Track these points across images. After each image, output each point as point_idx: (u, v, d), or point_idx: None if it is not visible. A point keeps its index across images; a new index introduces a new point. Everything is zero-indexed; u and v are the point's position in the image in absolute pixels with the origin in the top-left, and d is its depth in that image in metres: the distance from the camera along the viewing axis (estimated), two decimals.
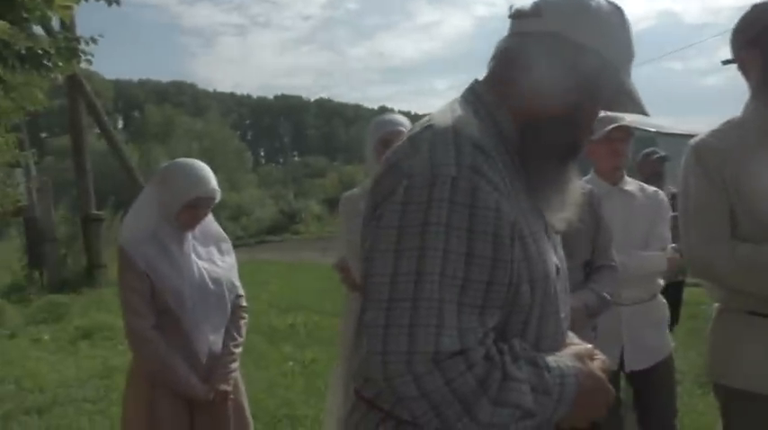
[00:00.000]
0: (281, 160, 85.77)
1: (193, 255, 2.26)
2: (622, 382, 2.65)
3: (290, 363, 5.56)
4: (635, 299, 2.54)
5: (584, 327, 2.06)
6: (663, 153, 4.61)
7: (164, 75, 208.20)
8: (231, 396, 2.27)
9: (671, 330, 3.77)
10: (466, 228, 0.96)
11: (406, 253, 0.97)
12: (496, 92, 1.13)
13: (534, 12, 1.12)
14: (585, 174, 2.54)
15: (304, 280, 10.78)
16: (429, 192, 0.97)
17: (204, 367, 2.22)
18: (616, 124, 2.49)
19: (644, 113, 1.19)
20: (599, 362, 1.13)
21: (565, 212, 1.14)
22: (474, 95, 1.14)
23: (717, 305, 1.98)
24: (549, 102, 1.09)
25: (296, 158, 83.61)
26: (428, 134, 1.06)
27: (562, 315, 1.14)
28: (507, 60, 1.13)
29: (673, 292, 3.88)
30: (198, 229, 2.31)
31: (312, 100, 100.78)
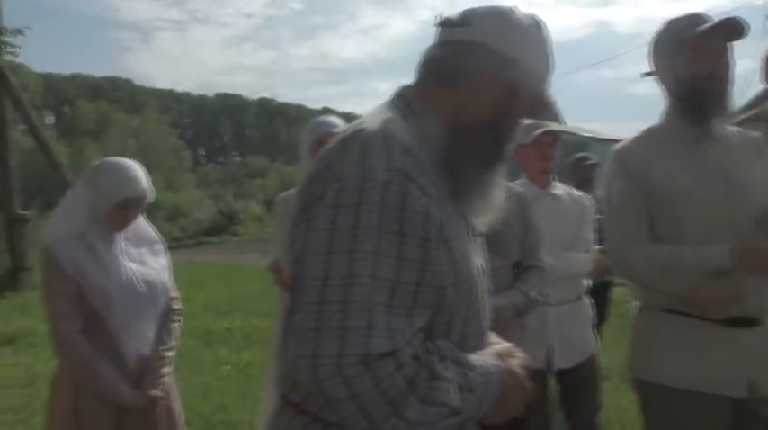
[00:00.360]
0: (221, 160, 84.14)
1: (123, 257, 2.21)
2: (551, 381, 2.74)
3: (226, 367, 5.47)
4: (562, 299, 2.64)
5: (513, 326, 2.12)
6: (595, 160, 4.79)
7: (98, 69, 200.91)
8: (162, 401, 2.23)
9: (598, 329, 3.92)
10: (396, 232, 0.99)
11: (337, 256, 0.98)
12: (424, 97, 1.16)
13: (462, 21, 1.15)
14: (515, 179, 2.61)
15: (243, 282, 10.61)
16: (360, 195, 0.99)
17: (134, 372, 2.16)
18: (544, 129, 2.58)
19: (560, 122, 1.26)
20: (518, 359, 1.17)
21: (488, 216, 1.18)
22: (403, 101, 1.17)
23: (637, 303, 2.09)
24: (474, 109, 1.13)
25: (236, 158, 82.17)
26: (359, 137, 1.07)
27: (484, 314, 1.18)
28: (435, 67, 1.16)
29: (600, 292, 4.03)
30: (129, 230, 2.26)
31: (253, 99, 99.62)
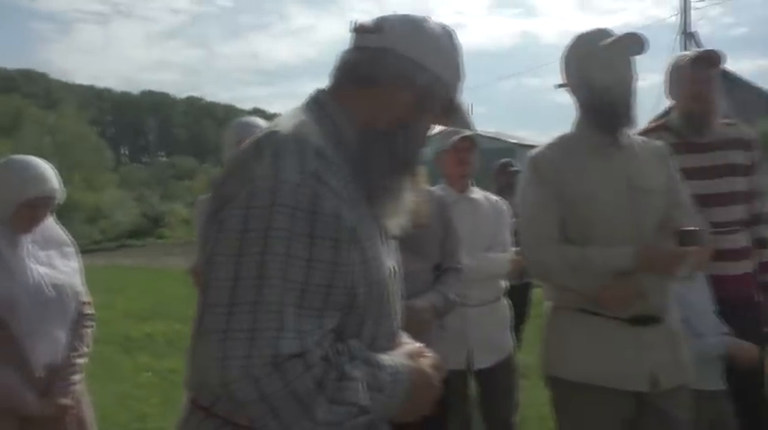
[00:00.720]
0: (146, 160, 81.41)
1: (30, 260, 2.11)
2: (471, 381, 2.80)
3: (147, 374, 5.30)
4: (481, 300, 2.71)
5: (432, 327, 2.17)
6: (518, 166, 4.95)
7: (11, 62, 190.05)
8: (72, 410, 2.14)
9: (519, 329, 4.06)
10: (307, 234, 0.99)
11: (248, 258, 0.98)
12: (338, 101, 1.17)
13: (375, 28, 1.17)
14: (435, 184, 2.67)
15: (166, 286, 10.31)
16: (272, 197, 0.99)
17: (41, 380, 2.07)
18: (461, 135, 2.65)
19: (471, 128, 1.31)
20: (430, 359, 1.20)
21: (400, 218, 1.20)
22: (317, 104, 1.18)
23: (550, 303, 2.18)
24: (386, 113, 1.15)
25: (162, 158, 79.75)
26: (272, 140, 1.07)
27: (396, 315, 1.20)
28: (349, 71, 1.18)
29: (520, 293, 4.17)
30: (37, 232, 2.16)
31: (181, 98, 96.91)
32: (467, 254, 2.51)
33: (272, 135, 1.09)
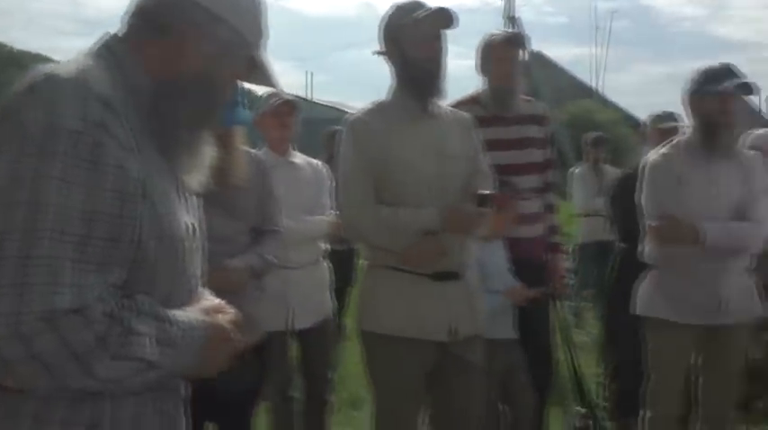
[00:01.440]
0: None
1: None
2: (291, 341, 2.86)
3: None
4: (300, 262, 2.76)
5: (250, 288, 2.18)
6: None
7: None
8: None
9: (343, 293, 4.19)
10: (86, 184, 0.95)
11: (18, 207, 0.92)
12: (132, 49, 1.12)
13: None
14: (255, 146, 2.65)
15: None
16: (48, 144, 0.93)
17: None
18: (283, 99, 2.66)
19: (275, 87, 1.31)
20: (229, 315, 1.21)
21: (199, 174, 1.19)
22: (108, 51, 1.12)
23: (366, 262, 2.28)
24: (182, 63, 1.12)
25: None
26: (51, 83, 1.00)
27: (195, 272, 1.19)
28: (144, 18, 1.13)
29: (345, 257, 4.30)
30: None
31: None
32: (286, 216, 2.53)
33: (50, 78, 1.01)
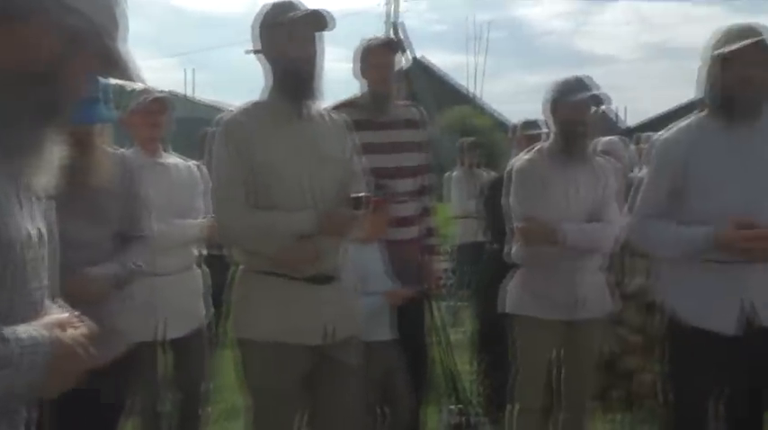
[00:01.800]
0: None
1: None
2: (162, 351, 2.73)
3: None
4: (172, 268, 2.65)
5: (111, 297, 2.05)
6: None
7: None
8: None
9: (221, 298, 4.05)
10: None
11: None
12: None
13: None
14: (123, 146, 2.51)
15: None
16: None
17: None
18: (153, 96, 2.55)
19: (136, 81, 1.24)
20: (80, 330, 1.12)
21: (46, 177, 1.10)
22: None
23: (240, 267, 2.22)
24: (27, 56, 1.03)
25: None
26: None
27: (40, 284, 1.10)
28: None
29: (225, 262, 4.15)
30: None
31: None
32: (157, 220, 2.41)
33: None
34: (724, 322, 2.05)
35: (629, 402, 3.18)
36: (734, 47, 2.00)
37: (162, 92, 2.56)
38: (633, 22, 67.63)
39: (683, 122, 2.23)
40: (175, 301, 2.64)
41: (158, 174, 2.62)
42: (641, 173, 2.66)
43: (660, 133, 2.29)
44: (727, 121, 2.08)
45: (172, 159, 2.77)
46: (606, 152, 2.95)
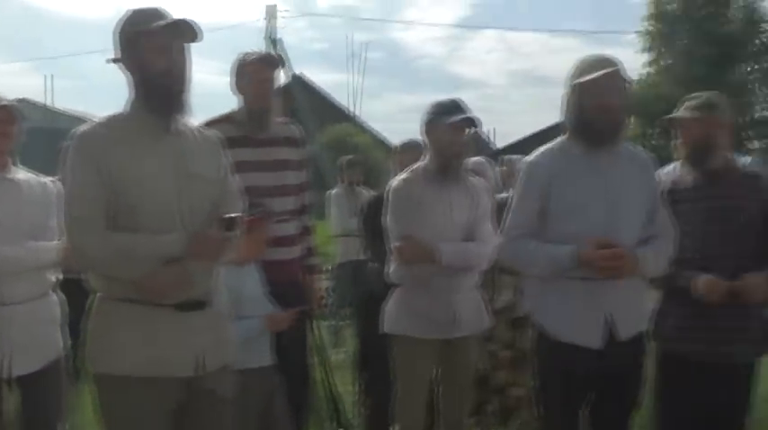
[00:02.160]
0: None
1: None
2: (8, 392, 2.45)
3: None
4: (23, 296, 2.40)
5: None
6: None
7: None
8: None
9: (78, 327, 3.72)
10: None
11: None
12: None
13: None
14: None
15: None
16: None
17: None
18: (1, 104, 2.30)
19: None
20: None
21: None
22: None
23: (97, 294, 2.02)
24: None
25: None
26: None
27: None
28: None
29: (83, 287, 3.83)
30: None
31: None
32: (4, 242, 2.17)
33: None
34: (589, 336, 2.18)
35: (503, 416, 3.28)
36: (590, 76, 2.14)
37: (11, 100, 2.32)
38: (500, 50, 72.03)
39: (547, 146, 2.35)
40: (26, 333, 2.39)
41: (6, 190, 2.39)
42: (509, 193, 2.77)
43: (528, 156, 2.39)
44: (586, 146, 2.23)
45: (22, 174, 2.51)
46: (474, 172, 3.04)
